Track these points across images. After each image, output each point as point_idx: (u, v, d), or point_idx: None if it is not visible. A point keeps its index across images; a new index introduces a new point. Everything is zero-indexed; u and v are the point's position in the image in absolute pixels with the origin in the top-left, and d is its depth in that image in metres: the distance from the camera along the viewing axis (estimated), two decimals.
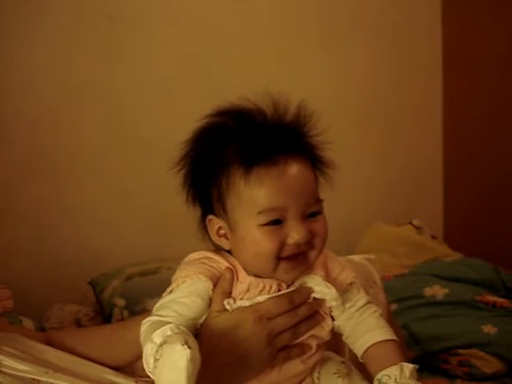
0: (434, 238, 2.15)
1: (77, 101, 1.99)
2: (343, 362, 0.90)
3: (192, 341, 0.70)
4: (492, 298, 1.71)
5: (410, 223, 2.16)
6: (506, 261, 1.96)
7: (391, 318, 1.19)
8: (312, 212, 0.83)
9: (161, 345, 0.69)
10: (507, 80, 2.20)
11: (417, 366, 0.82)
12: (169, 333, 0.71)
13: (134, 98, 2.06)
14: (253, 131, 0.83)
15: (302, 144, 0.85)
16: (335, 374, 0.87)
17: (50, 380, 0.83)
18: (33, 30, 1.94)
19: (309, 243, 0.82)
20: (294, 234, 0.80)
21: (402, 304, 1.71)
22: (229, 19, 2.17)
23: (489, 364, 1.57)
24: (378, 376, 0.82)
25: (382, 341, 0.85)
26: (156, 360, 0.69)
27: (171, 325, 0.73)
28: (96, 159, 2.03)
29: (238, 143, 0.82)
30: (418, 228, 2.14)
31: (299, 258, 0.83)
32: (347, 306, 0.87)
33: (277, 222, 0.81)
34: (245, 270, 0.85)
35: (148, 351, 0.72)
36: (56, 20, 1.97)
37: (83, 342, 1.01)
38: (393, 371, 0.81)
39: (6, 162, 1.91)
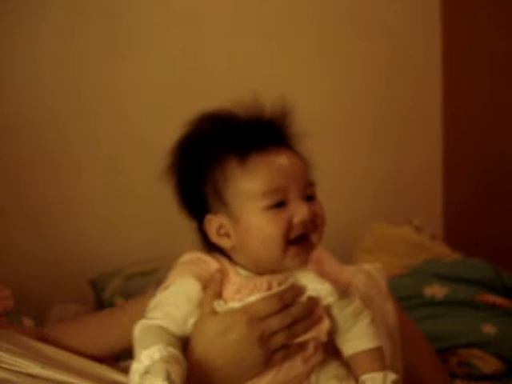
0: (433, 237, 2.15)
1: (77, 101, 2.00)
2: (341, 365, 0.89)
3: (176, 373, 0.72)
4: (492, 298, 1.71)
5: (410, 223, 2.16)
6: (506, 261, 1.96)
7: (405, 322, 1.21)
8: (309, 195, 0.85)
9: (146, 372, 0.72)
10: (507, 79, 2.20)
11: (399, 378, 0.86)
12: (156, 356, 0.73)
13: (135, 97, 2.07)
14: (236, 129, 0.85)
15: (285, 138, 0.87)
16: (333, 376, 0.87)
17: (47, 374, 0.84)
18: (32, 30, 1.94)
19: (312, 223, 0.83)
20: (299, 211, 0.82)
21: (401, 304, 1.70)
22: (229, 20, 2.17)
23: (488, 364, 1.57)
24: (363, 378, 0.86)
25: (369, 349, 0.87)
26: None
27: (160, 347, 0.75)
28: (96, 159, 2.03)
29: (226, 140, 0.84)
30: (417, 228, 2.14)
31: (305, 242, 0.83)
32: (348, 310, 0.88)
33: (280, 205, 0.82)
34: (247, 267, 0.85)
35: (134, 368, 0.74)
36: (56, 20, 1.98)
37: (80, 330, 1.03)
38: (377, 377, 0.85)
39: (6, 162, 1.91)
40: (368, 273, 1.20)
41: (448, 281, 1.77)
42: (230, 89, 2.07)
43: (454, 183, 2.47)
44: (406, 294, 1.71)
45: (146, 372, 0.72)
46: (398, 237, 2.08)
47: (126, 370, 0.91)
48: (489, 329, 1.61)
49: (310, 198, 0.85)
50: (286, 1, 2.26)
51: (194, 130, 0.88)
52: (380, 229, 2.12)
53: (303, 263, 0.85)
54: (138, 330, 0.80)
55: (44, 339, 1.00)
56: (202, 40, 2.12)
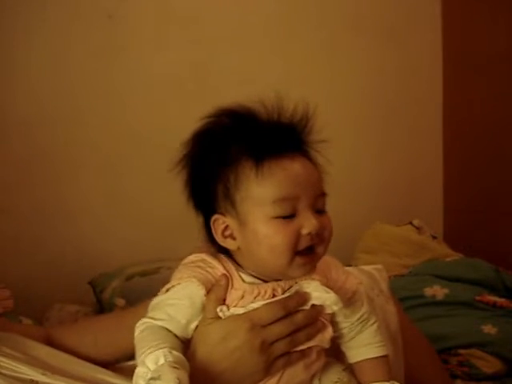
0: (434, 238, 2.15)
1: (76, 101, 1.99)
2: (344, 370, 0.89)
3: (185, 379, 0.71)
4: (492, 298, 1.71)
5: (410, 223, 2.15)
6: (506, 261, 1.95)
7: (406, 323, 1.20)
8: (318, 209, 0.83)
9: (152, 378, 0.70)
10: (507, 79, 2.20)
11: None
12: (162, 361, 0.72)
13: (134, 98, 2.06)
14: (255, 130, 0.83)
15: (303, 144, 0.86)
16: (336, 382, 0.87)
17: (48, 381, 0.84)
18: (32, 30, 1.94)
19: (319, 236, 0.82)
20: (308, 224, 0.80)
21: (401, 304, 1.70)
22: (229, 20, 2.17)
23: (489, 364, 1.57)
24: None
25: (375, 357, 0.87)
26: None
27: (165, 350, 0.74)
28: (96, 160, 2.03)
29: (244, 140, 0.82)
30: (418, 228, 2.13)
31: (311, 254, 0.82)
32: (353, 318, 0.87)
33: (289, 216, 0.80)
34: (251, 271, 0.84)
35: (139, 373, 0.73)
36: (55, 20, 1.97)
37: (84, 330, 1.03)
38: None
39: (5, 163, 1.91)
40: (369, 274, 1.20)
41: (448, 281, 1.77)
42: (230, 91, 2.07)
43: (455, 184, 2.47)
44: (406, 295, 1.71)
45: (154, 378, 0.70)
46: (398, 237, 2.08)
47: (127, 370, 0.91)
48: (489, 329, 1.61)
49: (320, 211, 0.83)
50: (292, 4, 2.26)
51: (211, 124, 0.85)
52: (381, 229, 2.11)
53: (308, 273, 0.84)
54: (139, 329, 0.79)
55: (45, 340, 1.00)
56: (202, 41, 2.11)
